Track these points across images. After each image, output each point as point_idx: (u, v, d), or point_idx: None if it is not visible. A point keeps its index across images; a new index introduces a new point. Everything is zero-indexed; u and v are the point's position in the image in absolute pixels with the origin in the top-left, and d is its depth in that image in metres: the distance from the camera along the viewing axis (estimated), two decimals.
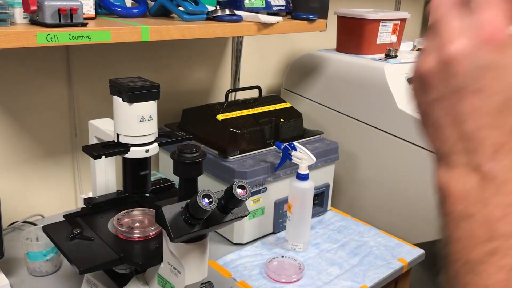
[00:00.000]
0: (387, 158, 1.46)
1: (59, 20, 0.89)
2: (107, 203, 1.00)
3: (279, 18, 1.24)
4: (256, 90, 1.43)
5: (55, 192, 1.35)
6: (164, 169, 1.42)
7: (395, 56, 1.53)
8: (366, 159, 1.52)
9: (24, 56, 1.20)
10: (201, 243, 0.79)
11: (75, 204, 1.39)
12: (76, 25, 0.91)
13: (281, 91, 1.75)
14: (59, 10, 0.88)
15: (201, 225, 0.74)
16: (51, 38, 0.87)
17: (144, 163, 0.89)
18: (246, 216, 0.79)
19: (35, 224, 1.23)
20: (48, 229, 0.91)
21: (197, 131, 1.32)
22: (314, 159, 1.16)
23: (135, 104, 0.83)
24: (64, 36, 0.88)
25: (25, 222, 1.26)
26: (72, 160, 1.35)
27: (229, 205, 0.74)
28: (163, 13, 1.18)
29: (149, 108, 0.85)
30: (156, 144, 0.89)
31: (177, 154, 0.75)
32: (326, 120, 1.59)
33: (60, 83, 1.28)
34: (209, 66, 1.61)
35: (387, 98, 1.42)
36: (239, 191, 0.72)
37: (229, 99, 1.36)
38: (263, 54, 1.76)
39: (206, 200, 0.69)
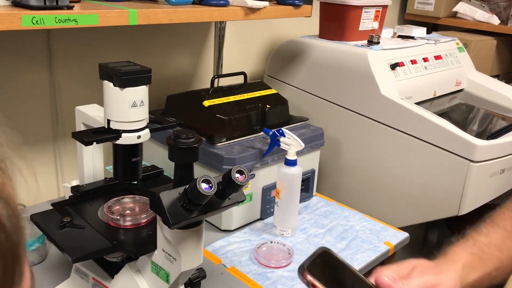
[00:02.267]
0: (371, 144, 1.48)
1: (44, 3, 0.86)
2: (95, 191, 0.98)
3: (266, 3, 1.23)
4: (240, 77, 1.42)
5: (36, 181, 1.31)
6: (149, 157, 1.40)
7: (378, 43, 1.54)
8: (350, 145, 1.53)
9: (1, 40, 1.16)
10: (197, 229, 0.78)
11: (57, 193, 1.36)
12: (61, 7, 0.88)
13: (264, 78, 1.74)
14: None
15: (199, 211, 0.73)
16: (37, 21, 0.84)
17: (135, 149, 0.87)
18: (243, 201, 0.79)
19: None
20: (37, 218, 0.88)
21: (183, 117, 1.29)
22: (303, 144, 1.16)
23: (127, 89, 0.81)
24: (50, 19, 0.85)
25: None
26: (53, 148, 1.32)
27: (227, 190, 0.73)
28: None
29: (141, 93, 0.83)
30: (147, 130, 0.87)
31: (173, 139, 0.74)
32: (310, 107, 1.60)
33: (41, 68, 1.24)
34: (191, 52, 1.59)
35: (370, 84, 1.43)
36: (237, 176, 0.72)
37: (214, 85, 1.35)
38: (245, 40, 1.74)
39: (206, 185, 0.68)
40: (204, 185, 0.68)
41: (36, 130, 1.27)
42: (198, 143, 0.75)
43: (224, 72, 1.66)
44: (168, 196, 0.71)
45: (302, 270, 0.57)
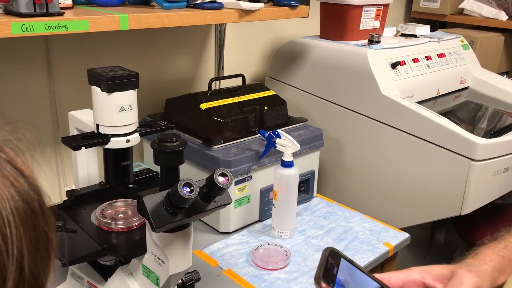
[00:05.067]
0: (372, 144, 1.46)
1: (34, 10, 0.87)
2: (90, 195, 0.99)
3: (261, 5, 1.23)
4: (240, 79, 1.42)
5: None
6: (149, 160, 1.41)
7: (378, 42, 1.53)
8: (351, 145, 1.52)
9: (1, 47, 1.18)
10: (184, 232, 0.78)
11: (60, 197, 1.38)
12: (52, 14, 0.89)
13: (265, 79, 1.74)
14: None
15: (183, 214, 0.73)
16: (26, 28, 0.85)
17: (125, 153, 0.88)
18: (229, 204, 0.79)
19: None
20: None
21: (181, 120, 1.31)
22: (298, 146, 1.16)
23: (114, 93, 0.82)
24: (39, 26, 0.87)
25: None
26: (55, 152, 1.34)
27: (211, 194, 0.73)
28: (143, 1, 1.17)
29: (129, 97, 0.84)
30: (137, 134, 0.88)
31: (157, 143, 0.75)
32: (311, 107, 1.59)
33: (40, 74, 1.26)
34: (192, 55, 1.59)
35: (370, 84, 1.42)
36: (220, 179, 0.72)
37: (212, 88, 1.35)
38: (246, 42, 1.74)
39: (187, 189, 0.68)
40: (185, 189, 0.68)
41: (37, 135, 1.29)
42: (182, 146, 0.75)
43: (226, 74, 1.67)
44: (151, 200, 0.72)
45: (318, 279, 0.60)
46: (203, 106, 1.26)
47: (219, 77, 1.43)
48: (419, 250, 1.74)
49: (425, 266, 0.70)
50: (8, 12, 0.89)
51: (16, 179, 0.38)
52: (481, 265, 0.72)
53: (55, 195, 1.37)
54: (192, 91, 1.59)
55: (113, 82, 0.81)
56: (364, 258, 1.14)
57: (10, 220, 0.35)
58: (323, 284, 0.59)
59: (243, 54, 1.75)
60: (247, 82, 1.43)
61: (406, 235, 1.25)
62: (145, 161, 1.43)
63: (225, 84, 1.56)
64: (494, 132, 1.38)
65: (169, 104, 1.37)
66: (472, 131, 1.33)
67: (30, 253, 0.36)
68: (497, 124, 1.56)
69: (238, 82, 1.43)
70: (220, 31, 1.61)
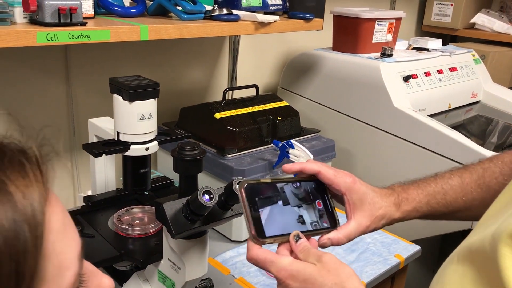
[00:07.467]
0: (383, 156, 1.47)
1: (59, 20, 0.89)
2: (107, 201, 1.01)
3: (276, 17, 1.25)
4: (253, 89, 1.44)
5: (53, 191, 1.35)
6: (163, 168, 1.43)
7: (391, 55, 1.54)
8: (362, 157, 1.53)
9: (22, 55, 1.21)
10: (201, 239, 0.80)
11: (74, 203, 1.40)
12: (75, 24, 0.92)
13: (278, 90, 1.76)
14: (58, 9, 0.89)
15: (201, 221, 0.75)
16: (51, 38, 0.88)
17: (144, 161, 0.90)
18: None
19: None
20: None
21: (195, 129, 1.32)
22: (312, 156, 1.17)
23: (135, 102, 0.84)
24: (64, 36, 0.89)
25: None
26: (70, 159, 1.36)
27: (229, 202, 0.75)
28: (161, 12, 1.19)
29: (149, 106, 0.86)
30: (155, 142, 0.90)
31: (178, 151, 0.76)
32: (323, 119, 1.60)
33: (59, 82, 1.29)
34: (206, 65, 1.62)
35: (383, 96, 1.44)
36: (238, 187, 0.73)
37: (226, 98, 1.37)
38: (260, 53, 1.77)
39: (207, 197, 0.70)
40: (205, 197, 0.70)
41: (53, 141, 1.31)
42: (202, 155, 0.76)
43: (239, 84, 1.69)
44: (171, 207, 0.73)
45: (240, 185, 0.63)
46: (218, 115, 1.28)
47: (233, 87, 1.45)
48: (429, 263, 1.74)
49: (332, 174, 0.78)
50: (34, 22, 0.91)
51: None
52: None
53: (69, 200, 1.39)
54: (206, 100, 1.61)
55: (135, 91, 0.83)
56: (374, 270, 1.15)
57: None
58: (257, 239, 0.63)
59: (256, 65, 1.77)
60: (260, 92, 1.45)
61: (417, 247, 1.26)
62: (159, 169, 1.45)
63: (238, 94, 1.58)
64: (505, 146, 1.38)
65: (184, 113, 1.39)
66: (482, 145, 1.34)
67: None
68: (508, 138, 1.57)
69: (251, 92, 1.45)
70: (234, 42, 1.63)
